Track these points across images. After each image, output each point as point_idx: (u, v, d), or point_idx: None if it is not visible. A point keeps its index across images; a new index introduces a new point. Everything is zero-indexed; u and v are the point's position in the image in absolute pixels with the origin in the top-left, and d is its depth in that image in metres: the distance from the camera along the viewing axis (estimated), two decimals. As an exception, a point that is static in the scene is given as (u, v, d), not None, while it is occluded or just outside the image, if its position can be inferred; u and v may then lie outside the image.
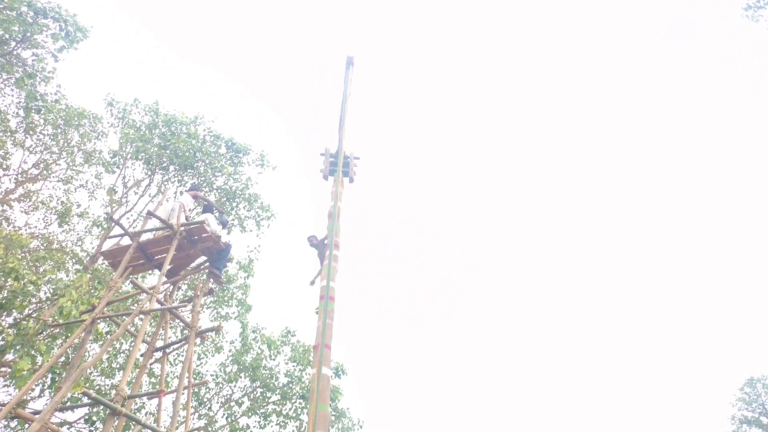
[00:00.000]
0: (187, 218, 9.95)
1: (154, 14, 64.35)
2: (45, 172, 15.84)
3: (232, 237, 16.25)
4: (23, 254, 12.83)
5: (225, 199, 16.27)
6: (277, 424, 15.93)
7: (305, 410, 16.38)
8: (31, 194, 15.83)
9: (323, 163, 8.70)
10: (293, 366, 16.74)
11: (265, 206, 16.89)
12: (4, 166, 14.90)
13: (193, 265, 10.50)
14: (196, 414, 15.83)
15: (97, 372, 14.14)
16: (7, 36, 11.91)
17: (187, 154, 15.47)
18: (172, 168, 15.70)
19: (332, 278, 7.50)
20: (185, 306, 9.26)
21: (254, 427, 16.01)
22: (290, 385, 16.22)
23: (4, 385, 13.36)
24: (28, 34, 11.66)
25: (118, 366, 14.89)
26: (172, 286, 10.44)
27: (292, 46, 72.59)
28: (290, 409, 16.10)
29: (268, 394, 16.40)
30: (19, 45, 12.04)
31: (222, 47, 68.36)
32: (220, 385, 16.59)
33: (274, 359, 17.03)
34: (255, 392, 16.52)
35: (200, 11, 67.62)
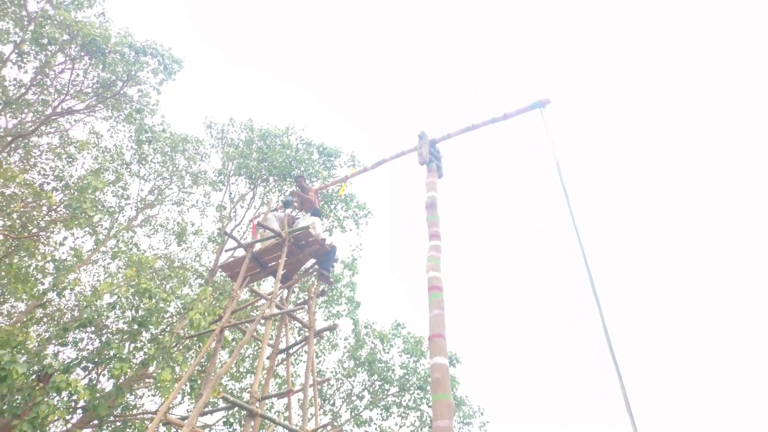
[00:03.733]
0: (293, 220, 10.46)
1: (219, 29, 67.59)
2: (159, 197, 17.17)
3: (335, 238, 16.78)
4: (152, 274, 14.00)
5: (323, 202, 16.83)
6: (398, 416, 16.29)
7: (424, 400, 16.61)
8: (150, 219, 17.24)
9: (420, 146, 8.51)
10: (407, 358, 17.04)
11: (362, 205, 17.26)
12: (125, 196, 16.35)
13: (303, 268, 10.97)
14: (321, 410, 16.52)
15: (227, 377, 15.16)
16: (114, 77, 13.04)
17: (283, 164, 16.15)
18: (271, 179, 16.47)
19: (436, 268, 7.48)
20: (302, 308, 9.70)
21: (377, 419, 16.49)
22: (406, 377, 16.52)
23: (150, 395, 14.72)
24: (132, 73, 12.70)
25: (245, 370, 15.90)
26: (287, 291, 10.96)
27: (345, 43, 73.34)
28: (409, 399, 16.41)
29: (387, 387, 16.80)
30: (125, 84, 13.13)
31: (271, 51, 70.39)
32: (340, 381, 17.21)
33: (387, 352, 17.43)
34: (374, 386, 16.98)
35: (262, 21, 70.08)
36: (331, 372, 17.33)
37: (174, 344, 11.42)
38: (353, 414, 16.71)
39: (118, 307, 11.33)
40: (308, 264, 11.04)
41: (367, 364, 16.90)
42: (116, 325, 11.54)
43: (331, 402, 17.00)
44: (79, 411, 10.19)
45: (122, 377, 10.55)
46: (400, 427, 16.58)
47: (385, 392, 16.89)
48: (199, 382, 11.45)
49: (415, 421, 16.45)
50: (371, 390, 17.08)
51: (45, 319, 13.75)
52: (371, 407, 16.67)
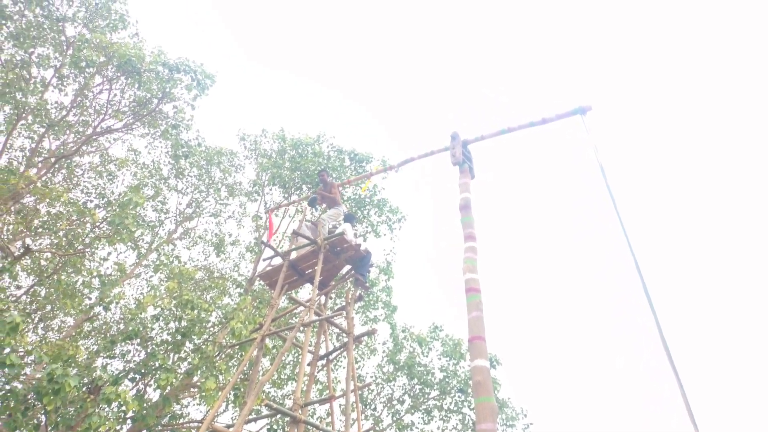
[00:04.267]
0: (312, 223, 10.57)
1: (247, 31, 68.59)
2: (197, 209, 17.55)
3: (369, 242, 16.84)
4: (193, 286, 14.31)
5: (356, 208, 16.93)
6: (440, 419, 16.22)
7: (465, 403, 16.50)
8: (189, 231, 17.64)
9: (454, 147, 8.41)
10: (446, 360, 16.95)
11: (395, 209, 17.30)
12: (164, 210, 16.77)
13: (339, 274, 11.04)
14: (363, 416, 16.57)
15: (269, 384, 15.35)
16: (149, 95, 13.42)
17: (315, 172, 16.32)
18: (305, 187, 16.65)
19: (473, 270, 7.41)
20: (340, 314, 9.76)
21: (418, 423, 16.44)
22: (447, 380, 16.44)
23: (196, 404, 15.01)
24: (167, 90, 13.05)
25: (286, 377, 16.08)
26: (324, 297, 11.05)
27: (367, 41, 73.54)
28: (450, 403, 16.32)
29: (427, 390, 16.75)
30: (160, 101, 13.50)
31: (298, 52, 71.02)
32: (381, 386, 17.24)
33: (426, 356, 17.38)
34: (414, 389, 16.95)
35: (286, 21, 70.95)
36: (371, 377, 17.38)
37: (217, 354, 11.64)
38: (395, 418, 16.70)
39: (161, 318, 11.63)
40: (344, 270, 11.11)
41: (407, 368, 16.88)
42: (160, 336, 11.85)
43: (372, 407, 17.03)
44: (129, 421, 10.47)
45: (168, 387, 10.79)
46: (442, 430, 16.49)
47: (426, 396, 16.84)
48: (242, 390, 11.64)
49: (457, 424, 16.35)
50: (411, 394, 17.05)
51: (93, 333, 14.20)
52: (412, 411, 16.63)
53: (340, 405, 13.01)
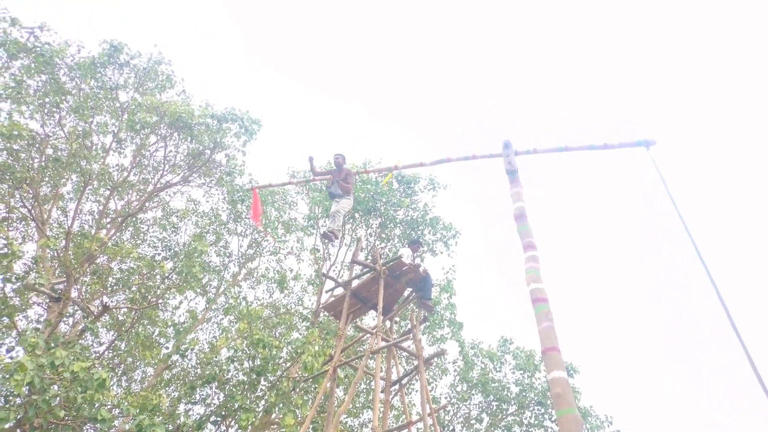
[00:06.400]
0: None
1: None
2: (258, 249, 18.05)
3: (427, 262, 16.81)
4: (262, 324, 14.66)
5: (410, 229, 16.98)
6: (522, 434, 15.83)
7: (546, 416, 16.04)
8: (252, 271, 18.14)
9: (508, 155, 8.30)
10: (520, 374, 16.58)
11: (448, 226, 17.25)
12: (227, 254, 17.36)
13: (402, 298, 11.08)
14: (442, 437, 16.38)
15: (344, 414, 15.42)
16: (201, 147, 14.05)
17: (365, 199, 16.52)
18: (357, 215, 16.87)
19: (537, 279, 7.28)
20: (407, 338, 9.77)
21: (500, 440, 16.09)
22: (523, 393, 16.06)
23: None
24: (218, 140, 13.64)
25: (360, 405, 16.12)
26: (389, 322, 11.09)
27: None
28: (530, 417, 15.90)
29: (504, 406, 16.40)
30: (212, 151, 14.10)
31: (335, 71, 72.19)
32: (456, 406, 17.01)
33: (499, 371, 17.06)
34: (490, 407, 16.64)
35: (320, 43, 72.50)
36: (445, 398, 17.18)
37: (292, 389, 11.84)
38: (475, 438, 16.42)
39: (235, 360, 11.96)
40: (406, 293, 11.15)
41: (480, 385, 16.61)
42: (236, 377, 12.17)
43: (450, 428, 16.81)
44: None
45: (249, 427, 11.05)
46: (526, 446, 16.08)
47: (504, 412, 16.49)
48: (320, 423, 11.76)
49: (540, 438, 15.89)
50: (489, 411, 16.74)
51: (172, 380, 14.72)
52: (492, 429, 16.30)
53: (418, 429, 12.92)
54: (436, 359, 13.98)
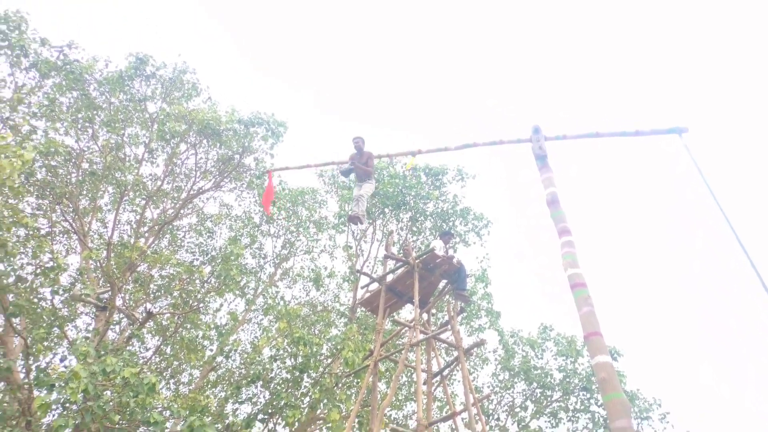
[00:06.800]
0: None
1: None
2: (291, 249, 18.27)
3: (460, 253, 16.75)
4: (301, 322, 14.86)
5: (441, 221, 16.94)
6: (568, 420, 15.66)
7: (592, 400, 15.85)
8: (288, 271, 18.36)
9: (538, 140, 8.17)
10: (563, 360, 16.41)
11: (479, 215, 17.14)
12: (262, 255, 17.62)
13: (437, 290, 11.09)
14: (487, 427, 16.34)
15: (388, 407, 15.52)
16: (230, 152, 14.26)
17: (394, 193, 16.54)
18: (387, 210, 16.91)
19: (574, 264, 7.18)
20: (445, 329, 9.78)
21: (546, 427, 15.96)
22: (567, 379, 15.89)
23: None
24: (246, 144, 13.82)
25: (403, 397, 16.21)
26: (427, 314, 11.11)
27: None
28: (575, 402, 15.73)
29: (548, 393, 16.27)
30: (241, 156, 14.30)
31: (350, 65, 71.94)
32: (500, 395, 16.95)
33: (541, 357, 16.91)
34: (534, 394, 16.52)
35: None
36: (488, 387, 17.14)
37: (335, 384, 11.98)
38: (520, 426, 16.33)
39: (278, 358, 12.16)
40: (442, 284, 11.15)
41: (522, 372, 16.51)
42: (280, 375, 12.37)
43: (495, 416, 16.76)
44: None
45: (296, 423, 11.24)
46: (572, 432, 15.93)
47: (548, 398, 16.35)
48: (365, 416, 11.88)
49: (587, 423, 15.71)
50: (533, 398, 16.63)
51: (218, 381, 15.05)
52: (537, 416, 16.19)
53: (463, 419, 12.93)
54: (475, 349, 13.96)
